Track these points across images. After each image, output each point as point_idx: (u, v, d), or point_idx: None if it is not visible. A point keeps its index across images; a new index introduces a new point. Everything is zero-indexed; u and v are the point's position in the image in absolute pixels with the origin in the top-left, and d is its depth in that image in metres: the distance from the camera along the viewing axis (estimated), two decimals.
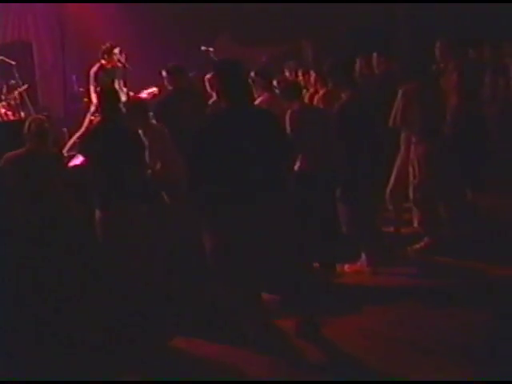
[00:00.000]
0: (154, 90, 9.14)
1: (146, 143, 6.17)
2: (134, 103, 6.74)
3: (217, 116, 4.89)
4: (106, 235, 5.60)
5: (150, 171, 6.23)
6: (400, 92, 6.50)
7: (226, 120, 4.55)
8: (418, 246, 6.51)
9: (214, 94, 7.61)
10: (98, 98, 5.95)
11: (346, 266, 6.23)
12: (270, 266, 4.66)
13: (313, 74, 6.94)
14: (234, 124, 4.48)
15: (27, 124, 5.92)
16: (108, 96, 5.86)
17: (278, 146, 4.57)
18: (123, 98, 9.00)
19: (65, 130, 9.07)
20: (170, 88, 7.29)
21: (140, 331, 5.22)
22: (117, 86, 9.09)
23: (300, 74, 9.01)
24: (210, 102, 7.48)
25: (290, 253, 4.68)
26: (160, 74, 7.47)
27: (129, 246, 5.63)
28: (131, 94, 9.14)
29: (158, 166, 6.24)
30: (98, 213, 5.59)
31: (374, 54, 8.68)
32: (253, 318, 4.85)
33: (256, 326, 4.85)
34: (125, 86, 9.24)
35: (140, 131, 6.07)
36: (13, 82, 9.61)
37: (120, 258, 5.63)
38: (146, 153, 6.16)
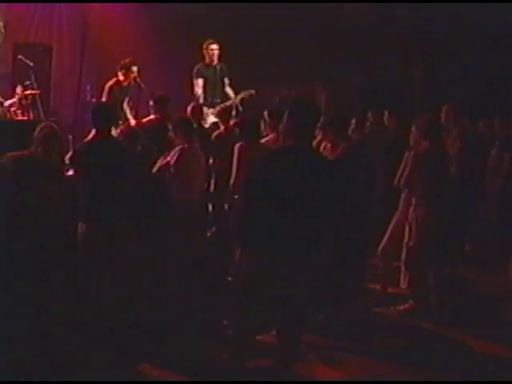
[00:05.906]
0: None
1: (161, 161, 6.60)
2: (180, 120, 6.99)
3: (278, 151, 4.79)
4: (87, 249, 5.62)
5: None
6: (409, 153, 6.52)
7: (287, 157, 4.47)
8: (402, 307, 6.51)
9: (222, 126, 7.72)
10: (95, 112, 5.83)
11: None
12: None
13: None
14: (293, 162, 4.41)
15: (38, 128, 5.90)
16: (103, 112, 5.85)
17: (327, 197, 4.44)
18: (130, 117, 9.02)
19: (70, 137, 9.06)
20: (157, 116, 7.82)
21: (111, 350, 5.22)
22: (125, 104, 9.10)
23: None
24: (215, 133, 7.57)
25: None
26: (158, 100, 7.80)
27: (107, 263, 5.65)
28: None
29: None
30: (81, 225, 5.63)
31: (386, 112, 8.75)
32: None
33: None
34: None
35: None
36: (27, 82, 9.65)
37: (96, 275, 5.65)
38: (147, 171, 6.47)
